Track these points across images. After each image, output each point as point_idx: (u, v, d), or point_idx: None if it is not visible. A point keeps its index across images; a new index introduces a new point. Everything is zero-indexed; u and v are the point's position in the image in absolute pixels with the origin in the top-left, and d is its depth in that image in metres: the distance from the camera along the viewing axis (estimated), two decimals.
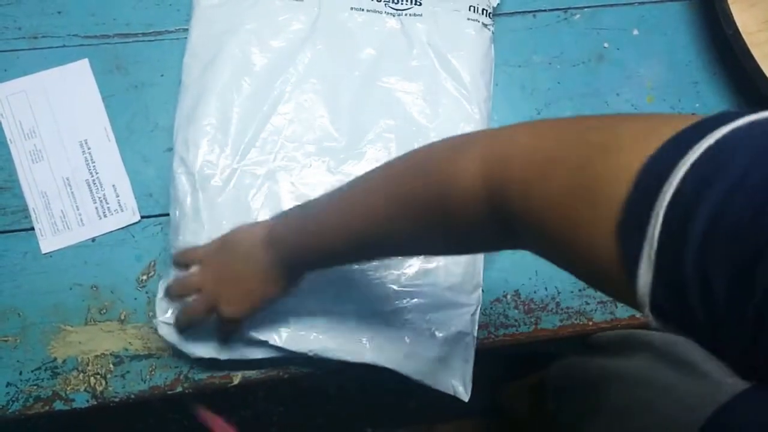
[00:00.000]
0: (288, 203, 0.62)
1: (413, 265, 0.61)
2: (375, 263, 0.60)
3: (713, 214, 0.23)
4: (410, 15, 0.68)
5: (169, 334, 0.60)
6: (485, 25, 0.68)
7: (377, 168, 0.44)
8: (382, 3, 0.68)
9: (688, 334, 0.25)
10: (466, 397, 0.63)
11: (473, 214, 0.36)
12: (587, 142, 0.30)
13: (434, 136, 0.65)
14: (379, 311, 0.61)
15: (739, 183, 0.22)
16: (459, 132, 0.64)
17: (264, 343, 0.60)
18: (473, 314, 0.63)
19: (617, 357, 0.68)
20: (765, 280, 0.20)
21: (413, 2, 0.68)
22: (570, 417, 0.70)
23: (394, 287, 0.61)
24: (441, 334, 0.61)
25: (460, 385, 0.62)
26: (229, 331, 0.58)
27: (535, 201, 0.31)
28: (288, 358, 0.62)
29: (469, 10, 0.68)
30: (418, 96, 0.65)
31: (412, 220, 0.40)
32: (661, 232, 0.24)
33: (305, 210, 0.51)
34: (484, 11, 0.69)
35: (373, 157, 0.64)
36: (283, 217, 0.54)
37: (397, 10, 0.68)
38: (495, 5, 0.70)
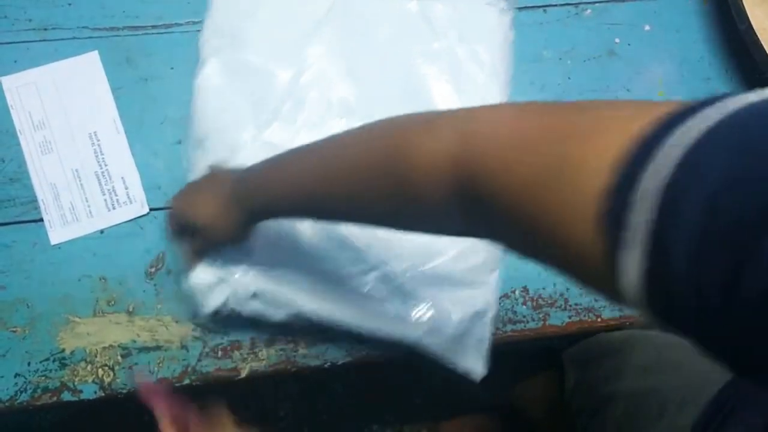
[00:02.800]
0: None
1: (436, 247, 0.62)
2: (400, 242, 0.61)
3: (709, 207, 0.21)
4: None
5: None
6: (504, 10, 0.69)
7: (349, 130, 0.43)
8: None
9: (677, 329, 0.23)
10: (479, 377, 0.62)
11: (435, 191, 0.34)
12: (569, 123, 0.28)
13: None
14: (399, 288, 0.61)
15: (736, 175, 0.21)
16: None
17: (283, 306, 0.60)
18: (492, 294, 0.64)
19: (644, 328, 0.68)
20: (758, 283, 0.19)
21: None
22: (592, 387, 0.69)
23: (416, 266, 0.61)
24: (459, 313, 0.61)
25: (475, 365, 0.62)
26: (175, 224, 0.59)
27: (508, 181, 0.29)
28: (302, 327, 0.62)
29: None
30: (438, 78, 0.66)
31: (369, 187, 0.39)
32: (648, 223, 0.22)
33: (277, 157, 0.50)
34: None
35: None
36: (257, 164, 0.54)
37: None
38: None
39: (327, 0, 0.67)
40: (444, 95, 0.65)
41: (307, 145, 0.46)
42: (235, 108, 0.63)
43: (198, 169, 0.63)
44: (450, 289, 0.61)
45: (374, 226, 0.45)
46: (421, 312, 0.60)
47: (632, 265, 0.23)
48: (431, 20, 0.67)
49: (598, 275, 0.25)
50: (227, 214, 0.52)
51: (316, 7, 0.67)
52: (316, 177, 0.43)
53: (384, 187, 0.38)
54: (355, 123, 0.63)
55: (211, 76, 0.64)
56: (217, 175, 0.57)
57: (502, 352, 0.65)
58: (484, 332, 0.63)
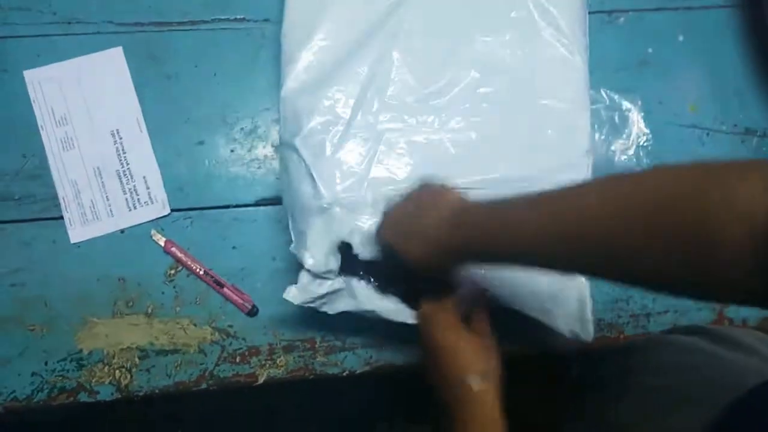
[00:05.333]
0: (397, 163, 0.61)
1: None
2: None
3: None
4: None
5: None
6: None
7: (623, 178, 0.39)
8: None
9: None
10: (589, 337, 0.61)
11: (742, 243, 0.30)
12: None
13: (537, 88, 0.64)
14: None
15: None
16: (560, 80, 0.64)
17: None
18: None
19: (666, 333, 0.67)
20: None
21: None
22: (602, 383, 0.68)
23: None
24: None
25: (578, 328, 0.61)
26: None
27: None
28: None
29: None
30: (515, 47, 0.65)
31: (656, 240, 0.34)
32: None
33: (510, 201, 0.45)
34: None
35: (475, 111, 0.63)
36: (481, 203, 0.48)
37: None
38: None
39: None
40: (521, 65, 0.64)
41: (565, 192, 0.41)
42: (322, 107, 0.61)
43: (289, 167, 0.61)
44: None
45: (624, 281, 0.41)
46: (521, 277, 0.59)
47: None
48: None
49: None
50: (437, 260, 0.48)
51: None
52: (584, 228, 0.38)
53: (675, 238, 0.33)
54: (438, 106, 0.63)
55: (296, 72, 0.62)
56: (432, 200, 0.51)
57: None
58: (583, 293, 0.61)
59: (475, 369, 0.49)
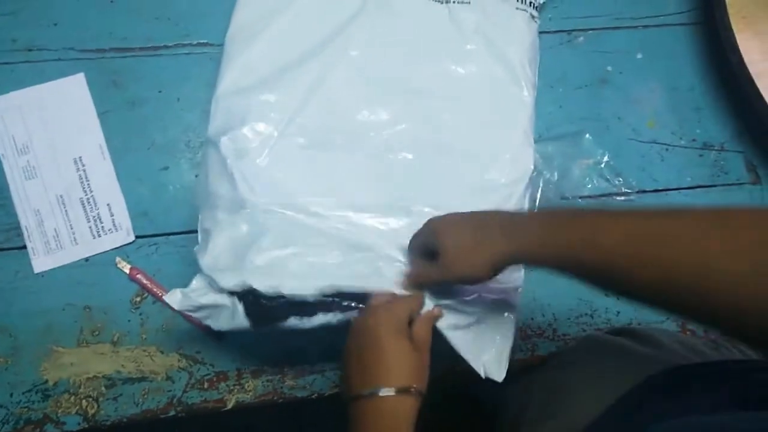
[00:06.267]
0: (328, 176, 0.60)
1: None
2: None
3: None
4: (458, 3, 0.67)
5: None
6: (533, 17, 0.69)
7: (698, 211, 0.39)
8: None
9: None
10: (500, 377, 0.58)
11: None
12: None
13: (484, 119, 0.64)
14: None
15: None
16: (509, 115, 0.64)
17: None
18: (516, 291, 0.62)
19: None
20: None
21: None
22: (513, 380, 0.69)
23: None
24: (482, 307, 0.59)
25: (493, 364, 0.59)
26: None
27: None
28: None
29: (518, 0, 0.68)
30: (467, 79, 0.65)
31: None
32: None
33: (589, 209, 0.46)
34: (532, 3, 0.69)
35: (419, 136, 0.63)
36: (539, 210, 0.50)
37: None
38: (542, 1, 0.71)
39: (356, 3, 0.65)
40: (470, 102, 0.65)
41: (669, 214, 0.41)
42: (256, 111, 0.61)
43: (209, 165, 0.60)
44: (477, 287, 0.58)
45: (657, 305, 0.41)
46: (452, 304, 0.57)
47: None
48: (460, 25, 0.66)
49: None
50: (480, 249, 0.48)
51: (344, 10, 0.66)
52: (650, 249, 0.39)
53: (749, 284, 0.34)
54: (381, 119, 0.62)
55: (234, 78, 0.62)
56: (482, 213, 0.53)
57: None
58: (509, 329, 0.60)
59: (398, 383, 0.47)
